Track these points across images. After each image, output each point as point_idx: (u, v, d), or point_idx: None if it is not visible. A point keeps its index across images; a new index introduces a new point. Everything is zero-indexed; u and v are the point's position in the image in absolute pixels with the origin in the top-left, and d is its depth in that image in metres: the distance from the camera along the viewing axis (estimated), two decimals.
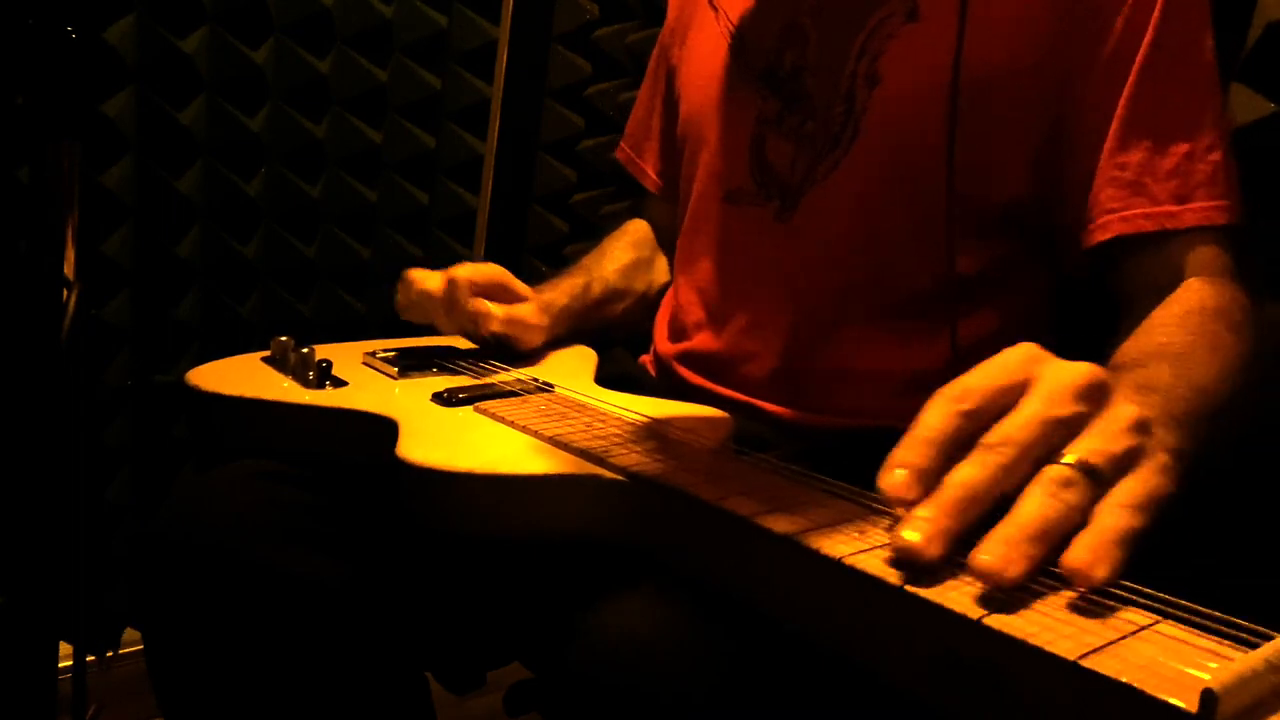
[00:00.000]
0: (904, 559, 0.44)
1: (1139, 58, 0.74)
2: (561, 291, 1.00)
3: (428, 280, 0.92)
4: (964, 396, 0.48)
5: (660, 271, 1.11)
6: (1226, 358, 0.66)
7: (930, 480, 0.46)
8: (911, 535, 0.44)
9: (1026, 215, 0.80)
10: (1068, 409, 0.47)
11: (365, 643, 0.77)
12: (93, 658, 1.34)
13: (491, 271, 0.94)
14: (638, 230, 1.13)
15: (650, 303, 1.08)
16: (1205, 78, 0.76)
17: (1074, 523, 0.44)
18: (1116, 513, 0.44)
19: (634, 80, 1.13)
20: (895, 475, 0.46)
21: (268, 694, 0.74)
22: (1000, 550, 0.42)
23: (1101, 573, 0.41)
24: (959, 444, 0.47)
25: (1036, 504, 0.44)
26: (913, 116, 0.79)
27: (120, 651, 1.37)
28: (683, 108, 0.98)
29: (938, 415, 0.47)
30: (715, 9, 0.95)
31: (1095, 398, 0.48)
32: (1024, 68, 0.76)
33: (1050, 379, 0.48)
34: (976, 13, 0.76)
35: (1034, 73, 0.76)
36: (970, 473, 0.45)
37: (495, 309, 0.90)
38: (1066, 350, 0.89)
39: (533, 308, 0.94)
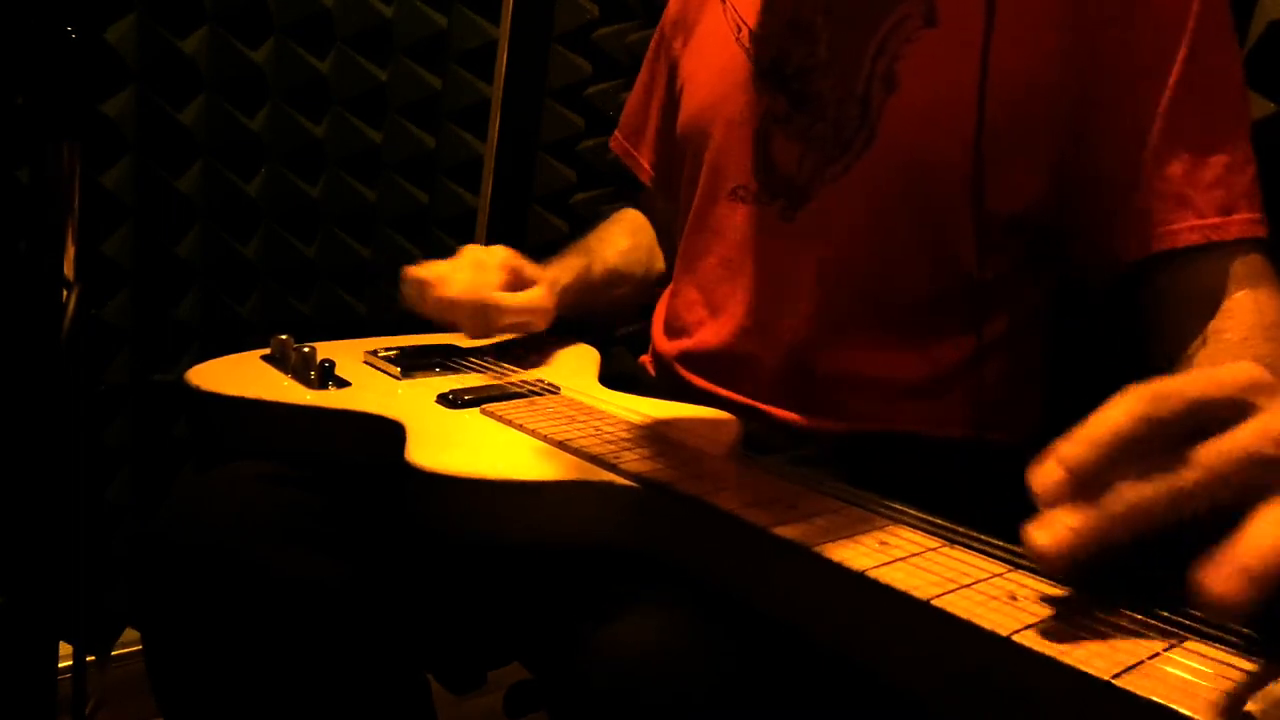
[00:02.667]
0: (1033, 559, 0.41)
1: (1175, 69, 0.73)
2: (566, 269, 1.00)
3: (448, 278, 0.89)
4: (1162, 400, 0.41)
5: (657, 259, 1.11)
6: None
7: (1090, 486, 0.41)
8: (1042, 538, 0.40)
9: (1042, 221, 0.80)
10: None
11: (365, 643, 0.76)
12: (93, 658, 1.34)
13: (505, 260, 0.93)
14: (635, 218, 1.13)
15: (647, 288, 1.09)
16: (1237, 88, 0.76)
17: None
18: None
19: (634, 80, 1.13)
20: (1048, 471, 0.41)
21: (267, 694, 0.74)
22: (1241, 584, 0.36)
23: None
24: (1135, 454, 0.41)
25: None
26: (933, 126, 0.78)
27: (120, 651, 1.36)
28: (686, 102, 0.97)
29: (1122, 414, 0.41)
30: (723, 1, 0.94)
31: None
32: (1047, 78, 0.76)
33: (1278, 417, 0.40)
34: (1000, 20, 0.75)
35: (1057, 83, 0.76)
36: (1145, 492, 0.40)
37: (506, 301, 0.89)
38: (1066, 347, 0.90)
39: (542, 291, 0.93)
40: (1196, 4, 0.73)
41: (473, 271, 0.90)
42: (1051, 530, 0.40)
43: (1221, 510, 0.39)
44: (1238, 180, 0.74)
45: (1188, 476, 0.39)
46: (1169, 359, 0.73)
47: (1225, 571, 0.36)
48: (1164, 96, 0.74)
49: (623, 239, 1.10)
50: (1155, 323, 0.76)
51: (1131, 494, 0.40)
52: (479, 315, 0.88)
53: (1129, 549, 0.40)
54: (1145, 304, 0.77)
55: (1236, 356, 0.65)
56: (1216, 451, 0.40)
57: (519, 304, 0.90)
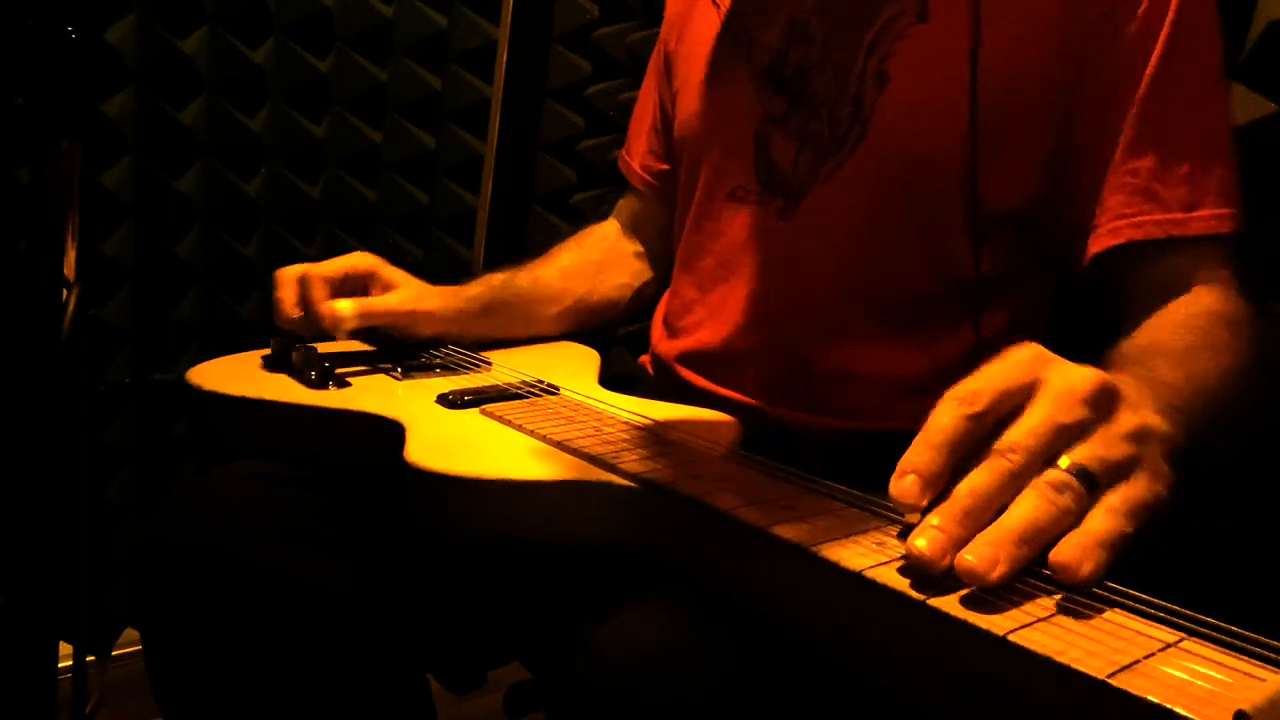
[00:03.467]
0: (916, 568, 0.44)
1: (1151, 64, 0.74)
2: (477, 282, 0.98)
3: (283, 279, 0.88)
4: (972, 400, 0.48)
5: (615, 273, 1.08)
6: (1227, 359, 0.67)
7: (940, 485, 0.46)
8: (923, 544, 0.44)
9: (1037, 217, 0.80)
10: (1075, 415, 0.47)
11: (365, 643, 0.77)
12: (93, 658, 1.34)
13: (353, 263, 0.90)
14: (592, 233, 1.10)
15: (595, 306, 1.05)
16: (1215, 84, 0.76)
17: (1065, 526, 0.45)
18: (1105, 516, 0.45)
19: (634, 80, 1.13)
20: (905, 481, 0.46)
21: (267, 694, 0.74)
22: (985, 551, 0.43)
23: (1085, 571, 0.43)
24: (968, 447, 0.47)
25: (1028, 507, 0.45)
26: (925, 120, 0.79)
27: (120, 651, 1.36)
28: (682, 105, 0.97)
29: (946, 419, 0.48)
30: (716, 5, 0.94)
31: (1102, 404, 0.49)
32: (1037, 73, 0.76)
33: (1058, 383, 0.48)
34: (989, 17, 0.76)
35: (1047, 78, 0.76)
36: (980, 480, 0.46)
37: (345, 307, 0.86)
38: (1066, 347, 0.90)
39: (402, 295, 0.91)
40: (1175, 4, 0.74)
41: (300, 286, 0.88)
42: (925, 534, 0.44)
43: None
44: (1206, 178, 0.74)
45: (1014, 459, 0.46)
46: None
47: (975, 544, 0.43)
48: (1140, 91, 0.74)
49: (569, 256, 1.06)
50: (1121, 316, 0.76)
51: (969, 485, 0.45)
52: (313, 315, 0.87)
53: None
54: (1115, 297, 0.78)
55: (1149, 344, 0.68)
56: (1025, 434, 0.46)
57: (363, 309, 0.87)
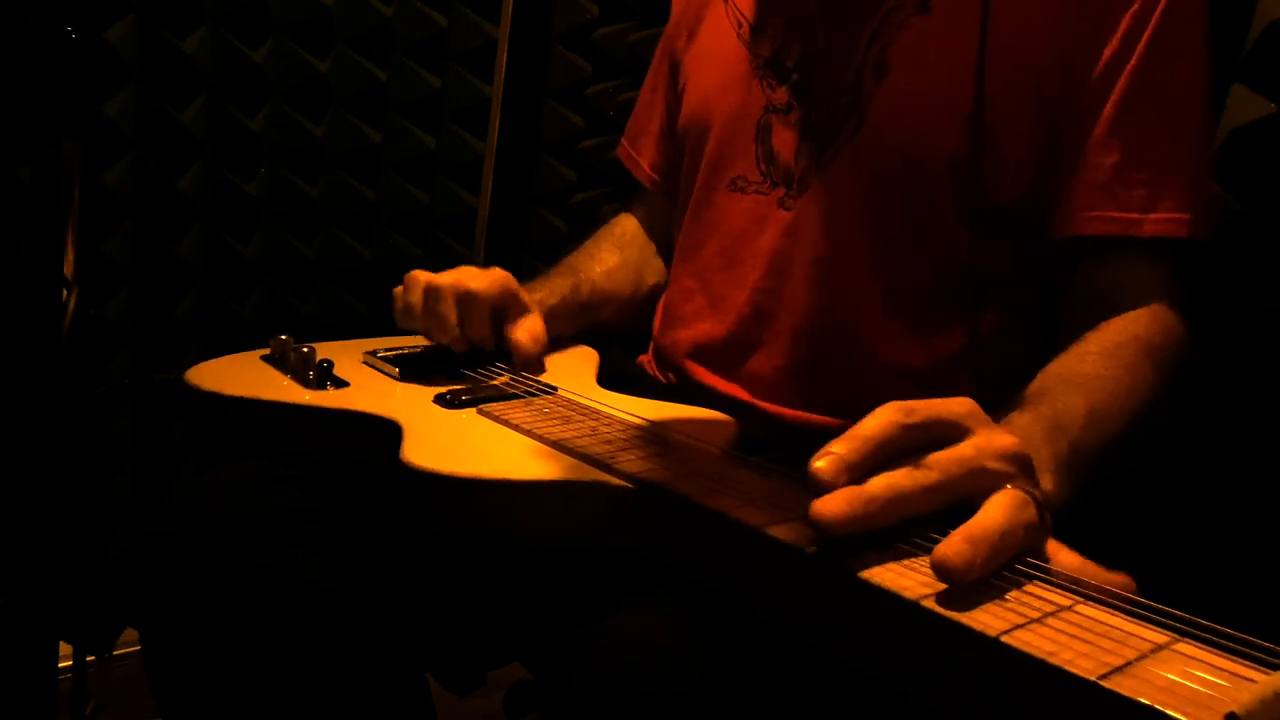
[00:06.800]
0: (814, 528, 0.47)
1: (1132, 62, 0.74)
2: (551, 292, 0.98)
3: (440, 285, 0.84)
4: (909, 412, 0.51)
5: (649, 273, 1.09)
6: (1141, 390, 0.70)
7: (858, 473, 0.49)
8: (824, 508, 0.47)
9: (1034, 212, 0.80)
10: (996, 465, 0.51)
11: (364, 643, 0.77)
12: (92, 658, 1.34)
13: (503, 284, 0.86)
14: (625, 230, 1.10)
15: (638, 306, 1.06)
16: (1194, 89, 0.76)
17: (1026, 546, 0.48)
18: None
19: (634, 80, 1.12)
20: (826, 459, 0.49)
21: (266, 694, 0.74)
22: (964, 549, 0.45)
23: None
24: (895, 448, 0.50)
25: (1003, 517, 0.47)
26: (924, 111, 0.79)
27: (120, 651, 1.37)
28: (688, 98, 0.98)
29: (880, 420, 0.50)
30: (725, 1, 0.95)
31: (1020, 465, 0.52)
32: (1040, 64, 0.77)
33: (989, 437, 0.52)
34: (998, 7, 0.76)
35: (1045, 72, 0.76)
36: (897, 479, 0.48)
37: (527, 342, 0.82)
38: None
39: (540, 319, 0.87)
40: (1162, 6, 0.74)
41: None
42: (830, 502, 0.47)
43: (955, 505, 0.50)
44: (1169, 182, 0.75)
45: (930, 474, 0.49)
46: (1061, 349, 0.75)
47: (952, 540, 0.45)
48: (1117, 88, 0.75)
49: (610, 256, 1.06)
50: (1059, 323, 0.77)
51: (889, 479, 0.48)
52: (474, 330, 0.84)
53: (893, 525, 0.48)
54: (1059, 298, 0.79)
55: (1073, 374, 0.70)
56: (948, 458, 0.50)
57: (533, 338, 0.84)
